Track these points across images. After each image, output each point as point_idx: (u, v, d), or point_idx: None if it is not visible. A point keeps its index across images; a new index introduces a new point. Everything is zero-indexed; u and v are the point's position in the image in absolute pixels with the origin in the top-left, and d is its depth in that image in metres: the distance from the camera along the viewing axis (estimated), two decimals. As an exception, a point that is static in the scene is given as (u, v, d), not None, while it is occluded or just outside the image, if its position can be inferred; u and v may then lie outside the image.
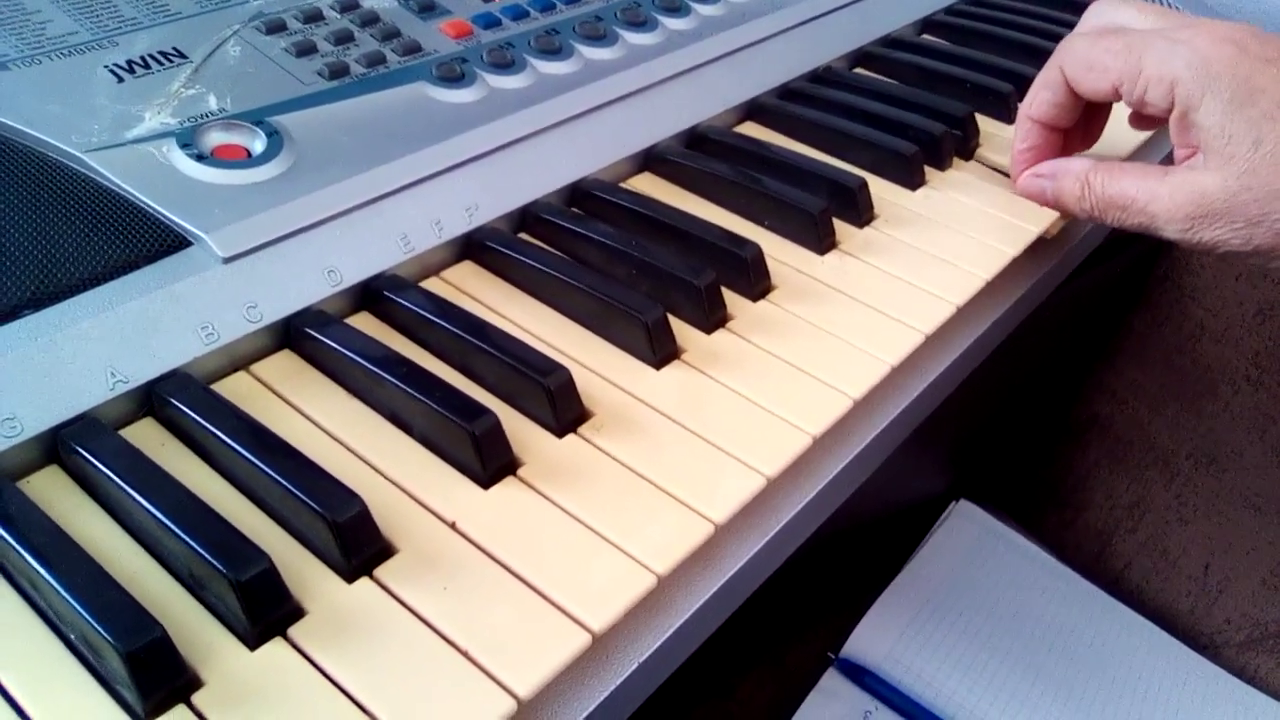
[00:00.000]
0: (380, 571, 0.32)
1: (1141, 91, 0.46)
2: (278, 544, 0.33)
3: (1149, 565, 0.98)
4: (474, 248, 0.46)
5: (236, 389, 0.39)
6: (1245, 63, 0.43)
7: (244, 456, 0.34)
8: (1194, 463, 0.94)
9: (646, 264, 0.45)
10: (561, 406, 0.38)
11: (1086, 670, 0.84)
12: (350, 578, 0.32)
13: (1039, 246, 0.53)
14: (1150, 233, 0.47)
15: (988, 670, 0.82)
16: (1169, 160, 0.49)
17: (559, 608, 0.32)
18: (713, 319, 0.44)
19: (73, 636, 0.30)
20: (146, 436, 0.36)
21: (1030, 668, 0.83)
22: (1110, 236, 0.61)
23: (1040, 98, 0.51)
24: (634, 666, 0.33)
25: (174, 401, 0.36)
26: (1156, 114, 0.47)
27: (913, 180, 0.54)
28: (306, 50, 0.49)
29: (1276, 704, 0.87)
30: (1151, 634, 0.90)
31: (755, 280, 0.46)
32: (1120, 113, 0.53)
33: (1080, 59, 0.48)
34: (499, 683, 0.30)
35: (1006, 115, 0.61)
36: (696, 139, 0.56)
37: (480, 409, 0.36)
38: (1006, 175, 0.55)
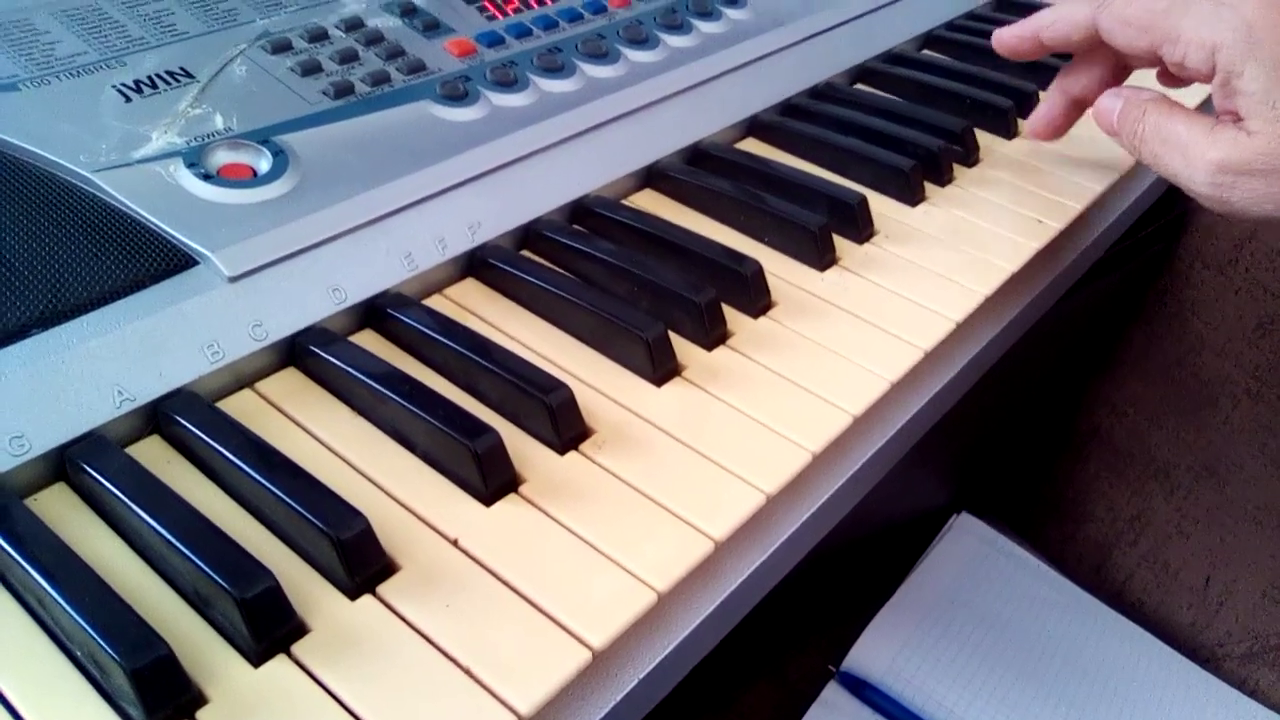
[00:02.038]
0: (383, 589, 0.33)
1: (1181, 55, 0.45)
2: (282, 561, 0.33)
3: (1150, 578, 0.98)
4: (477, 265, 0.47)
5: (242, 407, 0.39)
6: None
7: (248, 474, 0.34)
8: (1194, 475, 0.94)
9: (647, 281, 0.45)
10: (563, 424, 0.38)
11: (1087, 683, 0.84)
12: (353, 595, 0.33)
13: (1039, 261, 0.53)
14: (1179, 181, 0.47)
15: (988, 683, 0.82)
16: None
17: (560, 624, 0.32)
18: (713, 336, 0.44)
19: (79, 654, 0.30)
20: (153, 454, 0.37)
21: (1031, 680, 0.83)
22: (1110, 251, 0.62)
23: (1059, 28, 0.51)
24: (635, 682, 0.33)
25: (180, 419, 0.36)
26: (1196, 78, 0.46)
27: (913, 196, 0.55)
28: (312, 69, 0.49)
29: (1277, 717, 0.87)
30: (1152, 646, 0.90)
31: (755, 297, 0.46)
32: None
33: (1118, 12, 0.47)
34: (501, 700, 0.30)
35: (1006, 130, 0.62)
36: (698, 156, 0.56)
37: (482, 427, 0.36)
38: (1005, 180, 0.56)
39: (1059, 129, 0.57)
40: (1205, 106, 0.59)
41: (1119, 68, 0.53)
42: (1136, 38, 0.47)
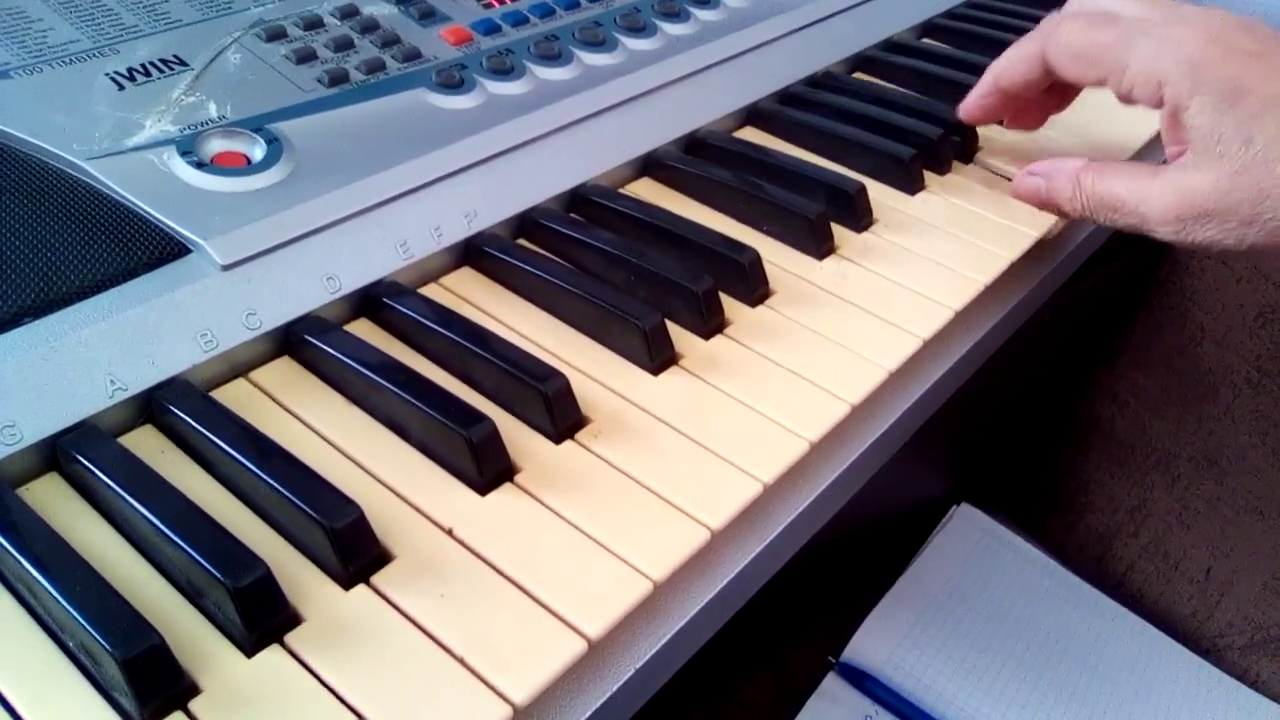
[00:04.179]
0: (377, 578, 0.33)
1: (1129, 88, 0.46)
2: (275, 551, 0.33)
3: (1151, 569, 0.98)
4: (473, 254, 0.47)
5: (235, 396, 0.39)
6: (1233, 61, 0.43)
7: (242, 463, 0.34)
8: (1195, 466, 0.94)
9: (645, 270, 0.45)
10: (559, 413, 0.38)
11: (1088, 674, 0.84)
12: (347, 585, 0.32)
13: (1038, 251, 0.53)
14: (1143, 233, 0.47)
15: (988, 674, 0.82)
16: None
17: (555, 614, 0.32)
18: (711, 325, 0.44)
19: (71, 644, 0.30)
20: (146, 444, 0.36)
21: (1031, 672, 0.83)
22: (1110, 240, 0.62)
23: (1014, 70, 0.51)
24: (631, 672, 0.33)
25: (173, 409, 0.36)
26: (1144, 106, 0.46)
27: (911, 185, 0.54)
28: (306, 57, 0.49)
29: (1278, 707, 0.87)
30: (1153, 638, 0.89)
31: (753, 286, 0.46)
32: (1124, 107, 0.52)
33: (1067, 46, 0.48)
34: (495, 689, 0.30)
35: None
36: (695, 144, 0.56)
37: (477, 415, 0.36)
38: (1006, 179, 0.55)
39: (986, 114, 0.55)
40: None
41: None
42: (1086, 70, 0.47)
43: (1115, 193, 0.47)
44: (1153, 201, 0.45)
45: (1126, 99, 0.47)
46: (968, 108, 0.55)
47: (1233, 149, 0.42)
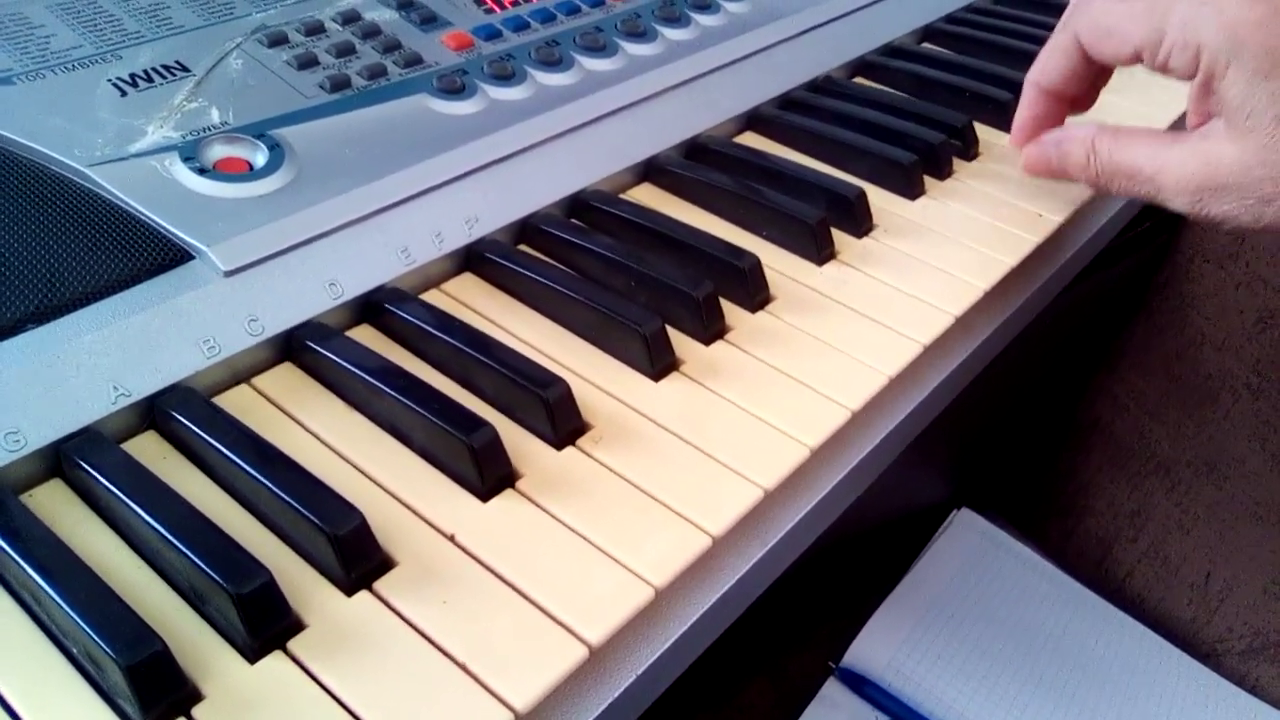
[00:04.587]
0: (379, 584, 0.33)
1: (1165, 57, 0.43)
2: (278, 557, 0.33)
3: (1150, 573, 0.98)
4: (474, 260, 0.47)
5: (238, 402, 0.39)
6: (1276, 27, 0.40)
7: (244, 470, 0.34)
8: (1195, 471, 0.94)
9: (645, 275, 0.45)
10: (560, 419, 0.38)
11: (1088, 679, 0.84)
12: (349, 591, 0.32)
13: (1038, 255, 0.53)
14: (1156, 203, 0.45)
15: (988, 679, 0.82)
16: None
17: (557, 620, 0.32)
18: (711, 330, 0.44)
19: (74, 649, 0.30)
20: (148, 450, 0.37)
21: (1031, 676, 0.83)
22: (1110, 244, 0.62)
23: (1052, 64, 0.49)
24: (632, 679, 0.33)
25: (176, 415, 0.36)
26: (1179, 78, 0.44)
27: (912, 190, 0.55)
28: (308, 63, 0.49)
29: (1278, 713, 0.87)
30: (1153, 642, 0.89)
31: (753, 291, 0.46)
32: (1159, 84, 0.51)
33: (1098, 24, 0.46)
34: (496, 696, 0.30)
35: (1006, 124, 0.61)
36: (696, 149, 0.56)
37: (479, 421, 0.36)
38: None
39: (1039, 124, 0.53)
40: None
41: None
42: (1120, 46, 0.45)
43: (1133, 159, 0.45)
44: (1172, 169, 0.44)
45: (1163, 69, 0.44)
46: (1021, 129, 0.51)
47: (1264, 123, 0.41)
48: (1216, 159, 0.42)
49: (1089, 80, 0.49)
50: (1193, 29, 0.42)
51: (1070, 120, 0.52)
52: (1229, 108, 0.42)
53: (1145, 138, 0.46)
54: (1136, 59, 0.46)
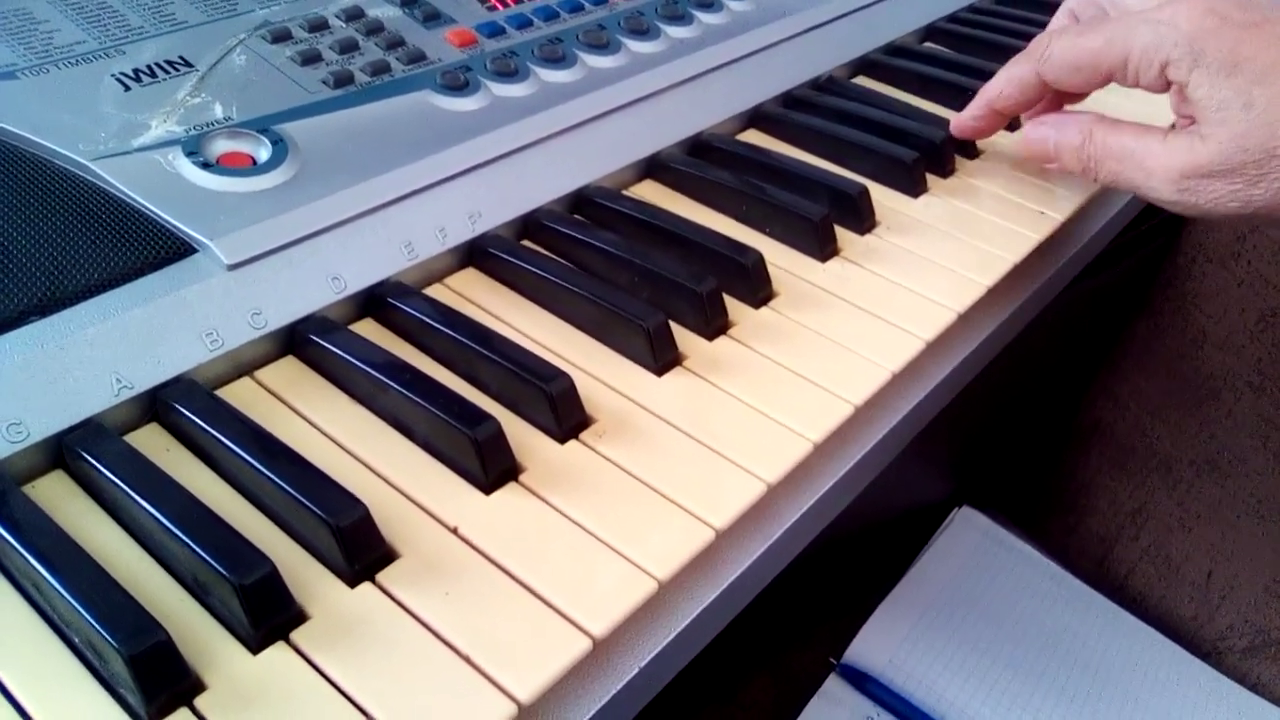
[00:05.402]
0: (382, 576, 0.33)
1: (1134, 77, 0.47)
2: (281, 549, 0.33)
3: (1152, 571, 0.98)
4: (477, 255, 0.47)
5: (241, 395, 0.39)
6: (1230, 32, 0.44)
7: (248, 462, 0.34)
8: (1197, 469, 0.94)
9: (648, 271, 0.45)
10: (563, 413, 0.38)
11: (1089, 676, 0.84)
12: (353, 582, 0.32)
13: (1040, 254, 0.53)
14: (1143, 192, 0.48)
15: (989, 676, 0.82)
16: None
17: (560, 613, 0.32)
18: (714, 326, 0.44)
19: (76, 640, 0.30)
20: (151, 442, 0.37)
21: (1032, 674, 0.83)
22: (1113, 243, 0.62)
23: (1007, 93, 0.52)
24: (635, 671, 0.33)
25: (179, 407, 0.36)
26: (1152, 92, 0.47)
27: (914, 187, 0.55)
28: (312, 59, 0.49)
29: (1279, 711, 0.87)
30: (1154, 640, 0.90)
31: (757, 287, 0.46)
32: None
33: (1065, 63, 0.49)
34: (500, 687, 0.30)
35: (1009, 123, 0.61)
36: (699, 147, 0.56)
37: (482, 415, 0.36)
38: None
39: (979, 133, 0.57)
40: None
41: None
42: (1090, 78, 0.48)
43: (1124, 144, 0.47)
44: (1159, 157, 0.46)
45: (1135, 85, 0.48)
46: (960, 125, 0.56)
47: (1234, 114, 0.43)
48: (1199, 148, 0.45)
49: (1048, 102, 0.53)
50: (1155, 48, 0.45)
51: (1069, 108, 0.53)
52: (1201, 107, 0.44)
53: (1138, 127, 0.48)
54: (1107, 83, 0.49)
